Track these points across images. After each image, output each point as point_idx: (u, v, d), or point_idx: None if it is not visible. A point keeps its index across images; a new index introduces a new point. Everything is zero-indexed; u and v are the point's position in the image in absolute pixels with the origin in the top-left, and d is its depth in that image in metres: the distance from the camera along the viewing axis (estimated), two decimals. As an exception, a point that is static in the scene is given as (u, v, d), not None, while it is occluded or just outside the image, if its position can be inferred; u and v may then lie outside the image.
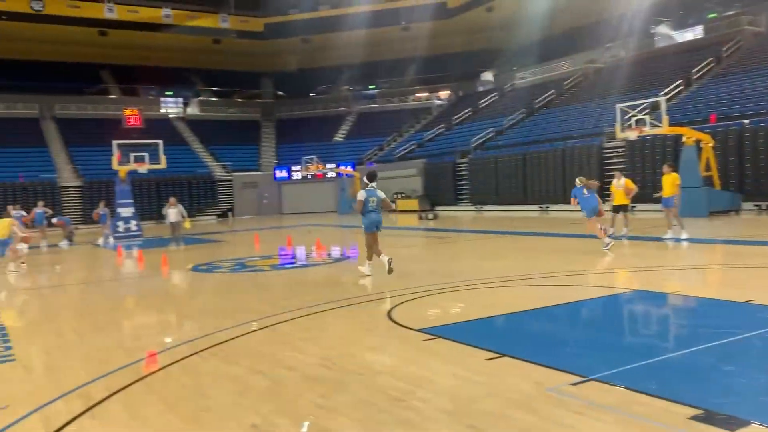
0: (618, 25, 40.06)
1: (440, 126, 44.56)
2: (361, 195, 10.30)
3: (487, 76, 52.72)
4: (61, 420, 4.50)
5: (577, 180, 13.41)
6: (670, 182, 14.69)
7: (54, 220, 25.03)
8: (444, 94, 51.66)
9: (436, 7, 48.43)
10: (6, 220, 14.66)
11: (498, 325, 6.96)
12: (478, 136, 37.94)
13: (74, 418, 4.52)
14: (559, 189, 30.24)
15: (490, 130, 38.26)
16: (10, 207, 21.27)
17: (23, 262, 15.05)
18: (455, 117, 44.40)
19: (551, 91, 39.32)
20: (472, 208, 35.07)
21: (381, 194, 10.55)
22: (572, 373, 4.84)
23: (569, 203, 28.92)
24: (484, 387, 4.69)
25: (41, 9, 43.19)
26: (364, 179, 10.53)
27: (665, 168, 15.30)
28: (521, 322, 7.03)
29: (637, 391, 4.34)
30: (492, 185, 33.86)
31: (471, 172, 35.40)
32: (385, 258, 10.25)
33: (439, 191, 37.57)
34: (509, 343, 6.03)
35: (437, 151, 40.37)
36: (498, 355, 5.49)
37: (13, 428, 4.42)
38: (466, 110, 44.75)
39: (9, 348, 6.94)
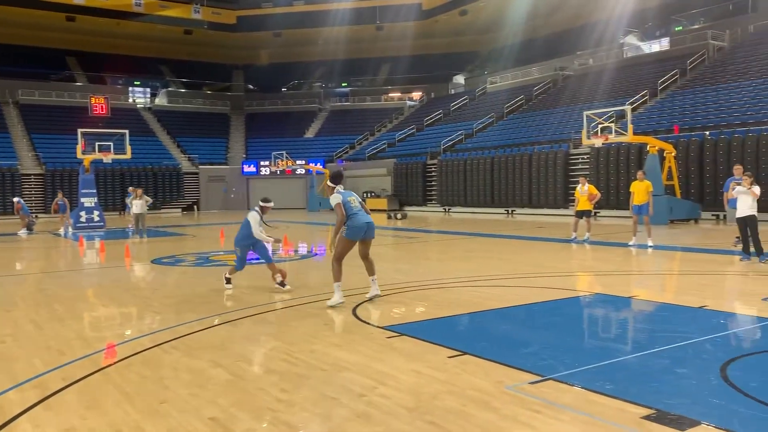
0: (589, 34, 40.75)
1: (411, 127, 44.73)
2: (337, 198, 8.18)
3: (459, 79, 53.11)
4: (14, 410, 4.41)
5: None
6: (643, 189, 14.54)
7: (15, 200, 24.50)
8: (416, 95, 51.90)
9: (412, 8, 48.64)
10: None
11: (461, 324, 7.04)
12: (448, 139, 38.20)
13: (28, 409, 4.44)
14: (525, 193, 30.64)
15: (460, 132, 38.56)
16: None
17: None
18: (427, 118, 44.61)
19: (521, 97, 39.79)
20: (440, 209, 35.29)
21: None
22: (531, 372, 4.94)
23: (534, 207, 29.81)
24: (445, 384, 4.75)
25: (6, -9, 42.13)
26: (329, 183, 8.52)
27: (639, 174, 15.02)
28: (484, 322, 7.12)
29: (593, 391, 4.45)
30: (460, 187, 34.14)
31: (440, 174, 35.63)
32: (375, 286, 8.46)
33: (408, 191, 37.75)
34: (471, 341, 6.10)
35: (408, 151, 40.52)
36: (459, 353, 5.56)
37: (-36, 417, 4.31)
38: (438, 112, 45.02)
39: (-38, 336, 6.77)
